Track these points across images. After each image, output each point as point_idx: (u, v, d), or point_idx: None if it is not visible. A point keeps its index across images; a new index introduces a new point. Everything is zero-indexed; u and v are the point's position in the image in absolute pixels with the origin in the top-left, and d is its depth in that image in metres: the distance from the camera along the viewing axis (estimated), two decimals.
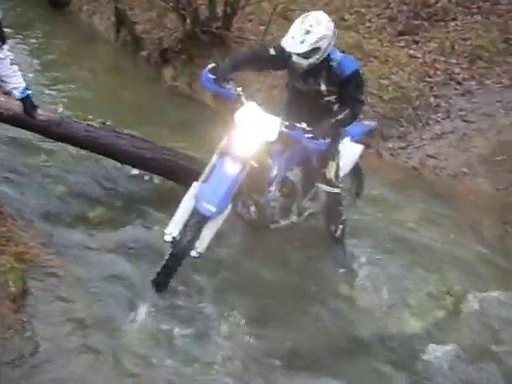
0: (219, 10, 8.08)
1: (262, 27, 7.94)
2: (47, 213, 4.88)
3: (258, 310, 4.21)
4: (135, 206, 5.09)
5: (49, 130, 5.11)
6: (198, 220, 4.03)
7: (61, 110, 5.32)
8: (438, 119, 7.03)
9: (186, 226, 4.05)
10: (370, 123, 5.27)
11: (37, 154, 5.51)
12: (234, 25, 8.19)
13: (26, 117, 4.71)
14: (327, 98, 4.35)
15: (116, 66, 9.24)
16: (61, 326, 3.77)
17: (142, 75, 8.36)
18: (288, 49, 4.12)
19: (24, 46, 8.57)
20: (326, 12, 4.27)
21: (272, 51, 4.36)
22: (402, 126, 6.93)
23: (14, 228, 4.37)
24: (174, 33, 8.46)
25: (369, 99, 6.82)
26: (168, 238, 4.08)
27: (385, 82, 7.22)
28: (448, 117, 7.05)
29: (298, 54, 4.12)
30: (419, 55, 7.82)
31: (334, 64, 4.23)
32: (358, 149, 4.98)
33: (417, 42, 8.08)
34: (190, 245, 4.03)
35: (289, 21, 7.29)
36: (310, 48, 4.08)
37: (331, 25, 4.18)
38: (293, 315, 4.23)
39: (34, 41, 9.04)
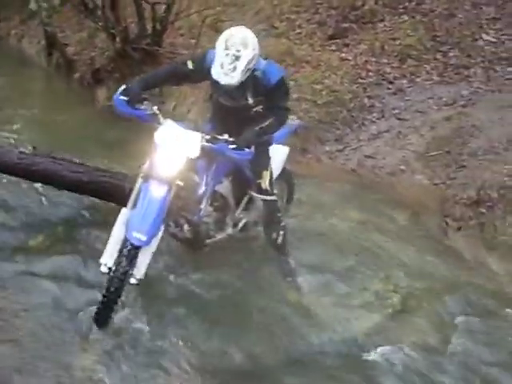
0: (149, 27, 8.07)
1: (194, 40, 7.96)
2: None
3: (206, 325, 4.16)
4: (77, 232, 5.00)
5: None
6: (130, 249, 3.89)
7: None
8: (373, 119, 7.15)
9: (119, 255, 3.91)
10: (293, 123, 5.05)
11: None
12: (166, 40, 8.21)
13: None
14: (255, 109, 4.28)
15: (49, 89, 9.13)
16: (6, 358, 3.68)
17: (76, 97, 8.28)
18: (222, 81, 4.02)
19: None
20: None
21: (190, 65, 4.26)
22: (338, 129, 7.02)
23: None
24: (105, 52, 8.41)
25: (303, 105, 6.93)
26: (104, 268, 3.95)
27: (318, 86, 7.32)
28: (383, 116, 7.17)
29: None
30: (350, 58, 7.95)
31: (258, 74, 4.15)
32: (285, 151, 4.92)
33: (347, 45, 8.22)
34: (126, 274, 3.90)
35: (220, 32, 7.36)
36: (242, 74, 4.01)
37: (256, 41, 4.09)
38: (242, 328, 4.20)
39: None
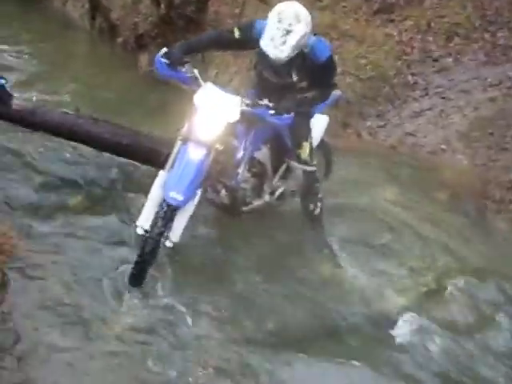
0: None
1: (238, 10, 7.90)
2: (25, 203, 4.79)
3: (242, 296, 4.16)
4: (116, 193, 5.00)
5: (23, 120, 5.03)
6: (166, 210, 3.89)
7: (34, 98, 5.23)
8: (416, 97, 7.07)
9: (155, 216, 3.92)
10: (333, 93, 4.82)
11: (12, 144, 5.43)
12: (210, 8, 8.14)
13: None
14: (299, 86, 4.24)
15: (92, 53, 9.16)
16: (42, 317, 3.72)
17: (119, 62, 8.29)
18: (270, 54, 3.99)
19: None
20: None
21: (237, 33, 4.22)
22: (381, 105, 6.97)
23: None
24: (148, 18, 8.39)
25: (347, 79, 6.86)
26: (140, 230, 3.97)
27: (362, 61, 7.25)
28: (426, 94, 7.09)
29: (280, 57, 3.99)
30: (395, 33, 7.85)
31: (306, 50, 4.10)
32: (324, 120, 4.85)
33: (393, 21, 8.10)
34: (161, 236, 3.91)
35: (264, 3, 7.30)
36: (292, 49, 3.97)
37: (309, 18, 4.04)
38: (274, 297, 4.21)
39: (4, 30, 8.89)
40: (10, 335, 3.49)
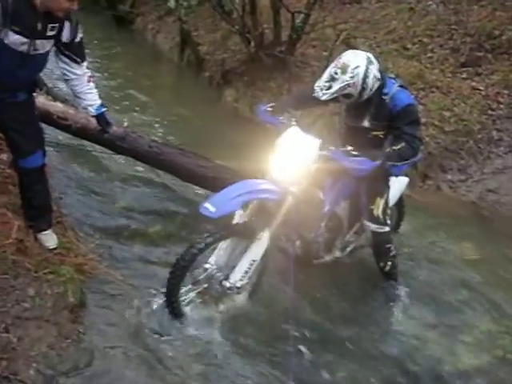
0: (283, 35, 8.17)
1: (325, 53, 7.99)
2: (107, 226, 4.96)
3: (312, 353, 4.07)
4: (196, 224, 5.07)
5: (113, 144, 5.20)
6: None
7: (125, 124, 5.38)
8: (500, 153, 6.93)
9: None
10: None
11: (100, 168, 5.62)
12: (298, 50, 8.25)
13: (92, 130, 4.67)
14: (374, 133, 4.20)
15: (178, 85, 9.41)
16: (116, 337, 3.78)
17: (203, 95, 8.48)
18: (315, 94, 4.04)
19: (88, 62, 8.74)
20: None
21: None
22: (463, 159, 6.86)
23: (74, 239, 4.42)
24: (236, 55, 8.58)
25: (430, 130, 6.81)
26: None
27: (446, 113, 7.18)
28: (510, 151, 6.93)
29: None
30: (482, 87, 7.73)
31: (386, 98, 4.09)
32: (404, 181, 4.83)
33: (479, 74, 8.00)
34: (195, 255, 3.86)
35: (350, 48, 7.37)
36: (331, 97, 4.00)
37: (362, 71, 3.97)
38: (344, 348, 4.15)
39: (98, 57, 9.24)
40: (84, 355, 3.54)
